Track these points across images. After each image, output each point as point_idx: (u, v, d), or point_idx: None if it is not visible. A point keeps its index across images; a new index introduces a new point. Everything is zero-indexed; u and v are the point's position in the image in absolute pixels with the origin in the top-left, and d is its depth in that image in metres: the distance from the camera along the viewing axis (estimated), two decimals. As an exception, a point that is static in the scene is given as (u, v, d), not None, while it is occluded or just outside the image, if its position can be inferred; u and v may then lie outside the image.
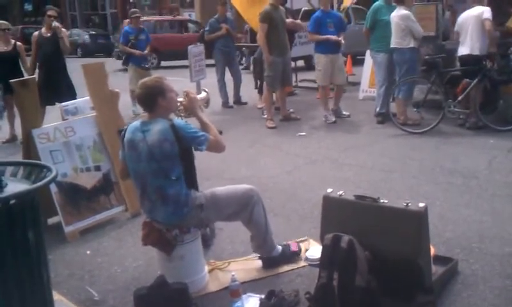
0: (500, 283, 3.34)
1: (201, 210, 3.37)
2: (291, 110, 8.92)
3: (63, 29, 8.10)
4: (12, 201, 2.46)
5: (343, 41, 8.20)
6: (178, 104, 3.65)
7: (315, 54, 8.58)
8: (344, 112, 8.63)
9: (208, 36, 9.98)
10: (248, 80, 10.68)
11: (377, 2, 8.14)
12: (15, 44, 8.12)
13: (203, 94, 3.97)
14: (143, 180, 3.34)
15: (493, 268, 3.53)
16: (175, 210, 3.30)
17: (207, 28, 10.27)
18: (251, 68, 10.55)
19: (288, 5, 11.59)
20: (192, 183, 3.44)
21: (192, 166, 3.49)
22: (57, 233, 4.47)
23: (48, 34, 7.81)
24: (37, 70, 8.00)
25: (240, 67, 12.08)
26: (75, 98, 6.48)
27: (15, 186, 2.62)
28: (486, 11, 7.09)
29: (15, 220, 2.49)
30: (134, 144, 3.32)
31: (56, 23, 7.68)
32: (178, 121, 3.41)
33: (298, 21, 10.01)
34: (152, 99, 3.32)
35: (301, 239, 4.05)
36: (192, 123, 3.49)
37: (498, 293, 3.25)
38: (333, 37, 8.08)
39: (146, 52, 9.80)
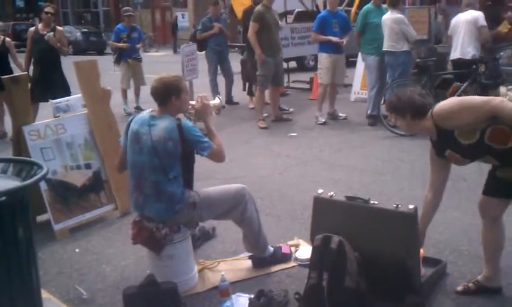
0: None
1: (194, 208, 3.38)
2: (291, 109, 9.04)
3: (59, 28, 7.98)
4: (2, 198, 2.45)
5: (345, 42, 8.20)
6: (190, 107, 3.64)
7: (318, 53, 8.64)
8: (341, 114, 8.65)
9: (200, 35, 9.95)
10: (239, 81, 10.70)
11: (367, 5, 8.18)
12: (3, 40, 8.04)
13: (217, 100, 3.98)
14: (140, 173, 3.34)
15: (481, 271, 3.53)
16: (168, 207, 3.30)
17: (199, 27, 10.26)
18: (240, 69, 10.58)
19: (281, 6, 11.61)
20: (188, 183, 3.45)
21: (191, 168, 3.50)
22: (46, 231, 4.44)
23: (45, 31, 7.69)
24: (31, 66, 7.93)
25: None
26: (70, 95, 6.45)
27: (5, 183, 2.61)
28: (480, 18, 7.12)
29: (4, 218, 2.47)
30: (138, 136, 3.32)
31: (50, 35, 7.54)
32: (185, 122, 3.39)
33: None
34: (167, 96, 3.33)
35: (292, 242, 4.05)
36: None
37: (486, 296, 3.27)
38: (335, 38, 8.10)
39: (138, 46, 9.93)
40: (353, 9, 13.38)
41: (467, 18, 7.20)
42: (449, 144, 3.10)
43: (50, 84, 7.54)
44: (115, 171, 3.96)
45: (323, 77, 8.37)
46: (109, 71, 10.15)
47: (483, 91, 7.25)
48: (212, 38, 9.82)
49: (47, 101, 6.93)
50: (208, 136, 3.47)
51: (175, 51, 25.81)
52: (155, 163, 3.26)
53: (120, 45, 9.71)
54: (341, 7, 11.77)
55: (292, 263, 3.76)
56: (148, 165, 3.29)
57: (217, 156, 3.45)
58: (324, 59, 8.30)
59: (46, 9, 7.82)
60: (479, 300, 3.23)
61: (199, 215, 3.48)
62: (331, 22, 8.22)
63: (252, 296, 3.22)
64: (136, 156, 3.36)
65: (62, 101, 5.09)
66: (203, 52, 10.03)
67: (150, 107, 3.53)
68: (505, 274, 3.48)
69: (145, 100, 8.93)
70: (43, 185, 4.44)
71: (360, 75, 10.00)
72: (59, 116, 4.89)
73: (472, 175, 5.54)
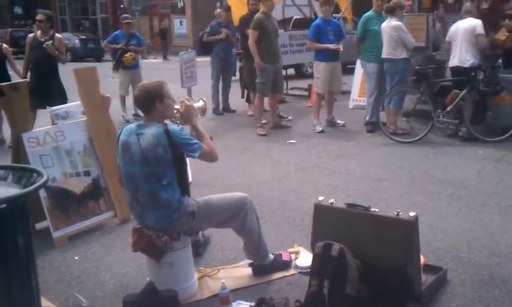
0: (489, 293, 3.36)
1: (193, 217, 3.37)
2: (289, 117, 9.08)
3: (58, 35, 7.94)
4: (2, 206, 2.44)
5: (342, 49, 8.20)
6: (175, 111, 3.64)
7: (314, 62, 8.60)
8: (339, 121, 8.65)
9: (207, 38, 9.97)
10: (236, 88, 10.71)
11: (367, 12, 8.19)
12: (1, 47, 8.02)
13: (201, 103, 3.98)
14: (135, 183, 3.33)
15: (482, 278, 3.55)
16: (166, 215, 3.29)
17: (207, 29, 10.26)
18: (238, 76, 10.59)
19: (279, 14, 11.63)
20: (184, 189, 3.43)
21: (184, 172, 3.48)
22: (45, 238, 4.42)
23: (43, 39, 7.66)
24: (29, 73, 7.91)
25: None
26: (66, 103, 6.42)
27: (5, 190, 2.60)
28: (478, 26, 7.12)
29: (4, 225, 2.47)
30: (128, 147, 3.32)
31: (49, 43, 7.50)
32: (172, 126, 3.40)
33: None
34: (150, 102, 3.33)
35: (292, 250, 4.04)
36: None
37: (487, 302, 3.27)
38: (332, 46, 8.09)
39: (140, 48, 10.07)
40: (345, 12, 13.19)
41: (465, 27, 7.21)
42: None
43: (46, 91, 7.49)
44: (117, 182, 3.94)
45: (320, 87, 8.34)
46: (107, 78, 10.15)
47: (482, 99, 7.29)
48: (217, 43, 9.83)
49: (44, 108, 6.93)
50: (197, 138, 3.47)
51: (164, 58, 26.26)
52: (147, 171, 3.25)
53: (112, 46, 9.80)
54: (339, 15, 11.83)
55: (292, 271, 3.75)
56: (140, 175, 3.28)
57: (209, 156, 3.45)
58: (321, 68, 8.26)
59: (37, 17, 7.77)
60: (479, 308, 3.23)
61: (198, 224, 3.46)
62: (326, 29, 8.20)
63: (253, 304, 3.21)
64: (128, 167, 3.35)
65: (60, 108, 5.09)
66: (207, 58, 10.05)
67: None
68: (505, 281, 3.49)
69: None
70: (42, 193, 4.43)
71: (358, 82, 10.01)
72: (57, 123, 4.88)
73: (472, 182, 5.57)
